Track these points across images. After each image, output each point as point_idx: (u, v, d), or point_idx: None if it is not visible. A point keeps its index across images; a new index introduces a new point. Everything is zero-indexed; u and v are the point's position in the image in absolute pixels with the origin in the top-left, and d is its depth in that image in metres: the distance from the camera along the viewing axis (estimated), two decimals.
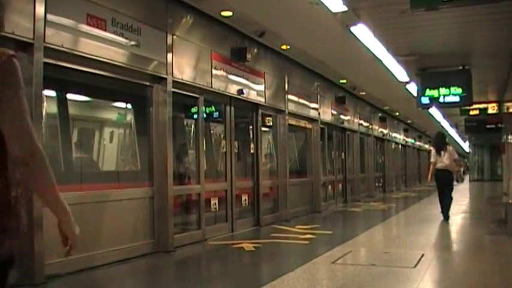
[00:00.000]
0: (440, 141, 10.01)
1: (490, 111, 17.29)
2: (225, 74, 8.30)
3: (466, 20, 8.10)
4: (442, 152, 9.68)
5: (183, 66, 7.17)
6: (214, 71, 7.95)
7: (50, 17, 4.96)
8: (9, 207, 1.59)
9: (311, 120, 12.36)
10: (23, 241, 1.66)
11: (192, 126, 8.49)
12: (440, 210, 10.02)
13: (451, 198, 9.84)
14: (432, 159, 9.95)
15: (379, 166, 20.32)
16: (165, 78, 6.74)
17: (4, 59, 1.57)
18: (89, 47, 5.48)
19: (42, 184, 1.65)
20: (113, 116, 7.84)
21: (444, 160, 9.62)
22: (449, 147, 9.87)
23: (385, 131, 20.74)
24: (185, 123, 8.63)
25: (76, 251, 1.78)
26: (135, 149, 7.35)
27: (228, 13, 7.71)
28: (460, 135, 31.81)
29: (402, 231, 9.40)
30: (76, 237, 1.73)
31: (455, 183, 10.36)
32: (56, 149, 6.04)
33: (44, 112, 5.36)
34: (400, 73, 11.73)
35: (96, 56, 5.58)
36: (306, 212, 11.66)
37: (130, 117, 7.51)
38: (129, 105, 7.51)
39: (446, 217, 9.75)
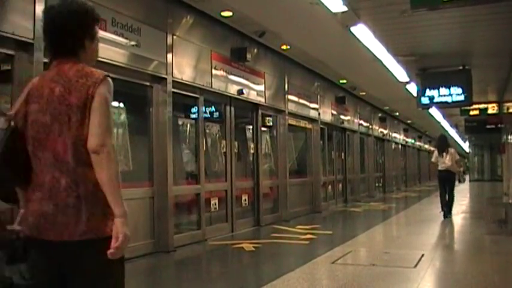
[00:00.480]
0: (443, 143, 10.58)
1: (490, 111, 17.29)
2: (225, 74, 8.29)
3: (466, 20, 8.10)
4: (444, 154, 10.17)
5: (183, 66, 7.17)
6: (214, 71, 7.95)
7: None
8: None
9: (311, 120, 12.36)
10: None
11: (188, 126, 8.52)
12: (440, 210, 10.39)
13: (453, 196, 10.36)
14: (433, 160, 10.54)
15: (379, 166, 20.31)
16: (165, 78, 6.74)
17: (101, 77, 2.00)
18: None
19: (105, 175, 1.90)
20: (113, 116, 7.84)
21: (446, 161, 10.12)
22: (451, 149, 10.34)
23: (385, 131, 20.74)
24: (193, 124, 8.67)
25: (120, 252, 1.84)
26: (135, 149, 7.35)
27: (228, 13, 7.71)
28: (460, 136, 31.81)
29: (402, 231, 9.40)
30: (125, 237, 1.85)
31: (457, 183, 10.98)
32: None
33: None
34: (400, 73, 11.72)
35: None
36: (306, 212, 11.65)
37: (131, 117, 7.50)
38: (130, 106, 7.50)
39: (448, 215, 10.18)
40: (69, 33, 2.05)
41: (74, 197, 1.92)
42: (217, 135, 9.14)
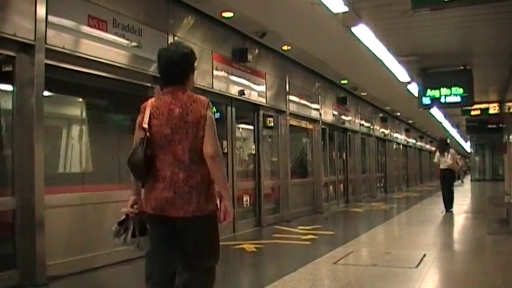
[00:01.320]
0: (444, 145, 11.70)
1: (491, 111, 17.29)
2: (226, 74, 8.30)
3: (467, 20, 8.09)
4: (446, 154, 11.29)
5: None
6: (215, 72, 7.95)
7: (51, 18, 4.96)
8: (210, 183, 2.87)
9: (312, 120, 12.36)
10: (216, 203, 2.91)
11: None
12: (442, 210, 11.30)
13: (452, 191, 11.70)
14: (435, 160, 11.69)
15: (380, 166, 20.30)
16: None
17: (207, 102, 2.91)
18: (90, 48, 5.48)
19: (218, 173, 2.85)
20: (114, 117, 7.83)
21: (448, 160, 11.31)
22: (451, 150, 11.53)
23: (387, 131, 20.72)
24: None
25: (230, 223, 2.84)
26: None
27: (229, 14, 7.71)
28: (461, 135, 31.77)
29: (404, 232, 9.39)
30: (230, 209, 2.89)
31: (459, 182, 12.53)
32: (58, 150, 6.02)
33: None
34: (401, 73, 11.72)
35: (97, 57, 5.58)
36: (308, 212, 11.64)
37: (131, 118, 7.49)
38: (130, 106, 7.49)
39: (450, 207, 11.38)
40: (182, 71, 2.91)
41: (188, 186, 2.79)
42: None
